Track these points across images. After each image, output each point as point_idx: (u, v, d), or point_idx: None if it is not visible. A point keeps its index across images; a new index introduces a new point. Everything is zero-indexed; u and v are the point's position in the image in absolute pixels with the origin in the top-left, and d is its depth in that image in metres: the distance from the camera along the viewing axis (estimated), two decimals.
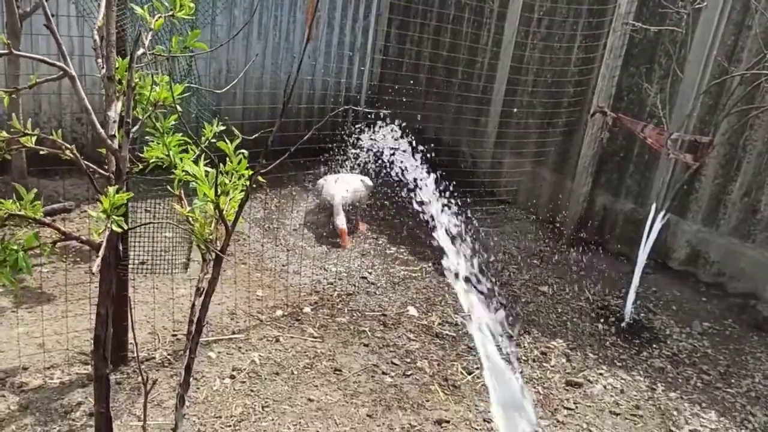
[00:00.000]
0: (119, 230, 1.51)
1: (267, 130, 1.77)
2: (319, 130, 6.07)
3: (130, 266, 3.79)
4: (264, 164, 1.77)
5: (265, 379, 3.87)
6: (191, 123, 4.62)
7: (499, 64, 6.98)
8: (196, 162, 1.87)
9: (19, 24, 4.88)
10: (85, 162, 1.70)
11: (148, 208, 5.33)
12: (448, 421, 3.73)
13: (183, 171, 1.77)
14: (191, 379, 3.76)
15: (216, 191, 1.65)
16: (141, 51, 1.70)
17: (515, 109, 6.86)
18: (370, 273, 5.40)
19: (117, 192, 1.48)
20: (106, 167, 1.96)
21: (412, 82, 7.47)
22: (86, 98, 1.74)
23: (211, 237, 1.83)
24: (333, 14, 7.60)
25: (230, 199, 1.75)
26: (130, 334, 3.81)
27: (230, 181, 1.74)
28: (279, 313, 4.63)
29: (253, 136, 1.82)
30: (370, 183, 6.10)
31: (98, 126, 1.64)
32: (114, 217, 1.47)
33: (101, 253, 1.46)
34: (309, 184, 6.69)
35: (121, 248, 1.77)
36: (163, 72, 2.26)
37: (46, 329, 3.97)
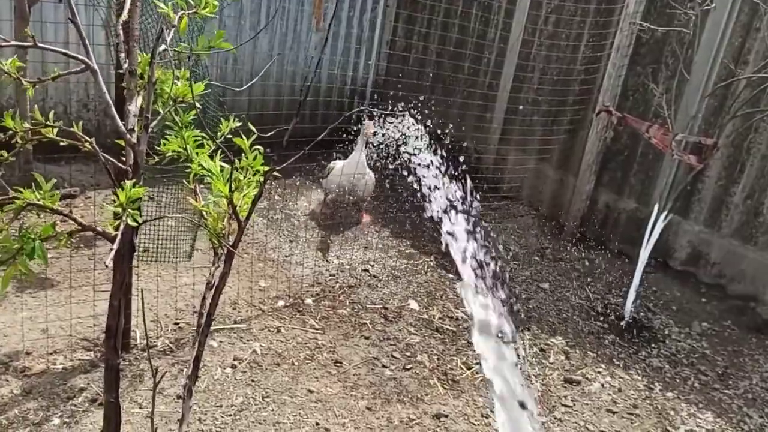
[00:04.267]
0: (134, 224, 1.54)
1: (283, 128, 1.78)
2: (327, 123, 6.06)
3: (135, 254, 3.81)
4: (277, 160, 1.79)
5: (266, 369, 3.90)
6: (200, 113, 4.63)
7: (506, 60, 6.98)
8: (212, 157, 1.89)
9: (28, 9, 4.88)
10: (104, 155, 1.72)
11: (152, 196, 5.34)
12: (446, 416, 3.76)
13: (199, 165, 1.79)
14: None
15: (230, 187, 1.67)
16: (163, 47, 1.71)
17: (520, 106, 6.87)
18: (372, 266, 5.42)
19: (133, 186, 1.50)
20: (123, 157, 1.98)
21: (417, 79, 7.47)
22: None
23: (223, 232, 1.85)
24: (341, 5, 7.59)
25: (243, 195, 1.77)
26: (133, 322, 3.85)
27: (244, 177, 1.76)
28: (281, 303, 4.66)
29: (268, 135, 1.84)
30: (373, 176, 6.10)
31: (118, 120, 1.65)
32: (129, 210, 1.49)
33: (115, 245, 1.47)
34: (318, 167, 6.63)
35: (135, 241, 1.78)
36: (177, 65, 2.27)
37: (50, 315, 3.99)
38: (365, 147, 5.86)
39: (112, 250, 1.46)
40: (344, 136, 6.18)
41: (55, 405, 3.36)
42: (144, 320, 2.44)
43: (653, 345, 4.85)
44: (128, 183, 1.49)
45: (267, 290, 4.80)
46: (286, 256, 5.35)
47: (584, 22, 6.34)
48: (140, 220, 1.55)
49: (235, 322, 4.32)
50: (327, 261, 5.39)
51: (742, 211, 5.38)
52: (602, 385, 4.30)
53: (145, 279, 4.56)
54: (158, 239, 4.67)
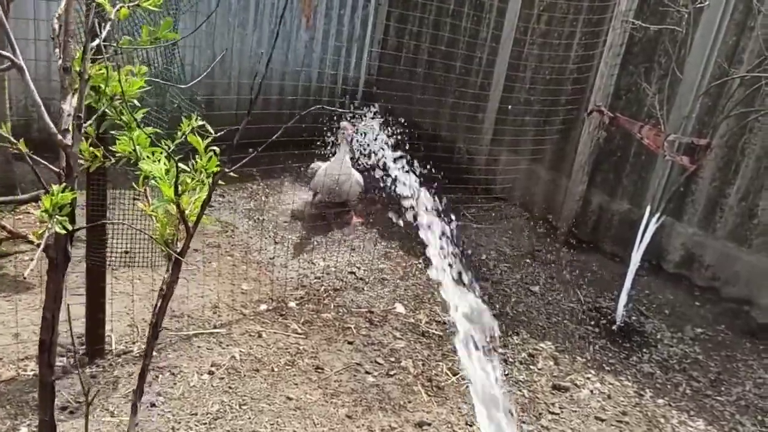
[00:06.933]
0: (63, 232, 1.43)
1: (235, 128, 1.68)
2: (316, 123, 5.98)
3: (110, 256, 3.71)
4: (232, 162, 1.69)
5: (245, 375, 3.80)
6: (174, 113, 4.52)
7: (498, 59, 6.87)
8: (168, 158, 1.78)
9: (6, 5, 4.76)
10: (34, 156, 1.62)
11: (137, 197, 5.23)
12: (429, 424, 3.66)
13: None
14: (169, 374, 3.70)
15: (176, 191, 1.56)
16: (96, 42, 1.61)
17: (512, 106, 6.77)
18: (359, 268, 5.31)
19: (63, 191, 1.40)
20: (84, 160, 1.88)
21: (408, 78, 7.37)
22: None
23: (172, 237, 1.75)
24: (331, 3, 7.48)
25: (195, 199, 1.67)
26: (108, 327, 3.75)
27: (194, 179, 1.66)
28: (263, 307, 4.55)
29: (218, 134, 1.73)
30: (361, 180, 6.00)
31: (48, 119, 1.55)
32: (58, 217, 1.38)
33: (37, 255, 1.37)
34: (302, 169, 6.52)
35: (70, 249, 1.68)
36: (140, 62, 2.16)
37: (23, 319, 3.89)
38: (350, 148, 5.77)
39: (32, 260, 1.36)
40: (323, 135, 6.10)
41: (23, 413, 3.26)
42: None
43: (645, 350, 4.74)
44: (56, 188, 1.39)
45: (249, 293, 4.69)
46: (270, 258, 5.25)
47: (577, 21, 6.23)
48: (70, 228, 1.45)
49: (215, 327, 4.22)
50: (312, 263, 5.29)
51: (737, 212, 5.28)
52: (591, 391, 4.20)
53: (123, 282, 4.46)
54: (135, 241, 4.56)
